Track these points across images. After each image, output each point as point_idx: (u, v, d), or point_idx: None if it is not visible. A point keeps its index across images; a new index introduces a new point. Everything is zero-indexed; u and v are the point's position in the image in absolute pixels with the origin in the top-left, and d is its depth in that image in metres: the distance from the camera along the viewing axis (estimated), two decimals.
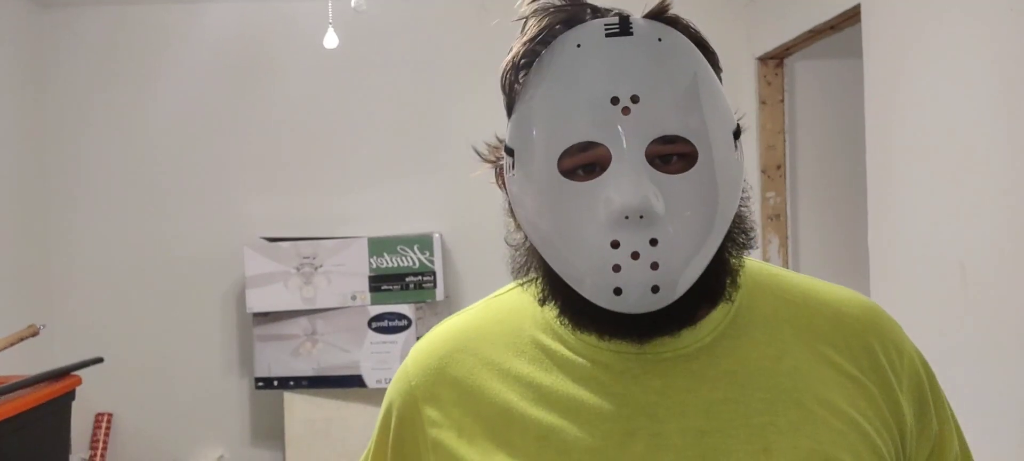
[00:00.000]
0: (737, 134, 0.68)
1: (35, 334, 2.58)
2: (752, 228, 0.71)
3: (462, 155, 2.95)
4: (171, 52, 3.28)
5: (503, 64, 0.71)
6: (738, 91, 3.37)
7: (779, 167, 3.29)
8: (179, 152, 3.30)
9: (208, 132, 3.30)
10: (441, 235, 3.14)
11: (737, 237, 0.69)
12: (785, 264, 3.31)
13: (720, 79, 0.70)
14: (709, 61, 0.69)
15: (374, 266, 3.06)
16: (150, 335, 3.27)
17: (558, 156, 0.65)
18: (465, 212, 3.22)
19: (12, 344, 2.50)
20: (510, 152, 0.70)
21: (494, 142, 0.76)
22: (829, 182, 3.42)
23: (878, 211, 2.24)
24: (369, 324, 3.01)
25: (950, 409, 0.75)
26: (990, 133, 1.75)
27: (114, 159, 3.28)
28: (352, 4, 2.20)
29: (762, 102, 3.31)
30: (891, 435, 0.68)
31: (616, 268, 0.62)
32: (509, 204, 0.72)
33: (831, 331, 0.71)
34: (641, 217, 0.61)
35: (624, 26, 0.66)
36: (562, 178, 0.65)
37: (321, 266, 3.04)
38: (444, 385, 0.74)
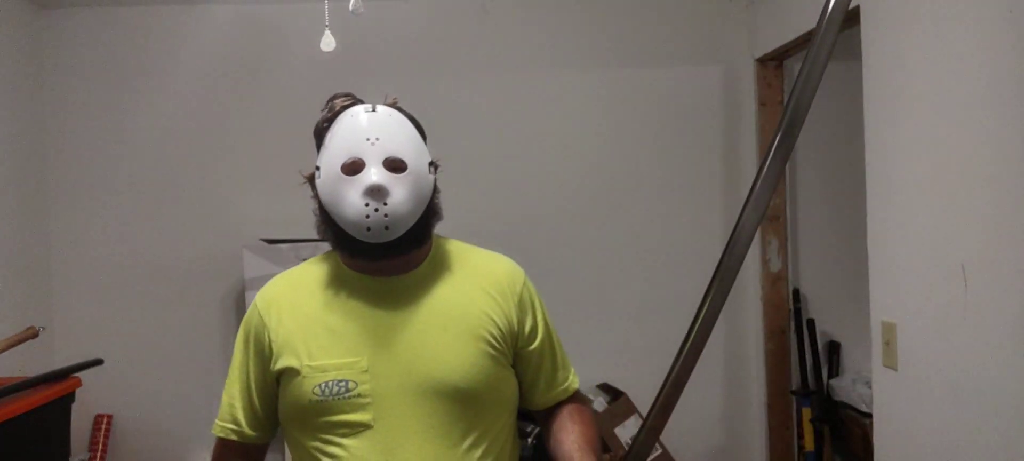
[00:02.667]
0: (432, 164, 1.37)
1: (35, 336, 2.59)
2: (439, 210, 1.38)
3: (460, 156, 2.93)
4: (171, 53, 3.29)
5: (315, 125, 1.38)
6: (737, 93, 3.37)
7: None
8: (179, 153, 3.30)
9: (207, 133, 3.31)
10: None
11: (433, 214, 1.37)
12: (785, 265, 3.31)
13: (424, 139, 1.40)
14: (417, 128, 1.40)
15: None
16: (150, 337, 3.27)
17: (340, 165, 1.30)
18: (464, 214, 3.20)
19: (12, 346, 2.51)
20: (317, 168, 1.35)
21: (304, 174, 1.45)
22: (828, 183, 3.42)
23: (878, 212, 2.24)
24: None
25: (549, 322, 1.46)
26: (990, 134, 1.76)
27: (113, 160, 3.28)
28: (350, 7, 2.20)
29: (761, 104, 3.31)
30: (508, 323, 1.37)
31: (367, 216, 1.26)
32: (316, 194, 1.35)
33: (484, 274, 1.40)
34: (380, 189, 1.26)
35: (374, 108, 1.35)
36: (342, 175, 1.29)
37: None
38: (278, 306, 1.37)
